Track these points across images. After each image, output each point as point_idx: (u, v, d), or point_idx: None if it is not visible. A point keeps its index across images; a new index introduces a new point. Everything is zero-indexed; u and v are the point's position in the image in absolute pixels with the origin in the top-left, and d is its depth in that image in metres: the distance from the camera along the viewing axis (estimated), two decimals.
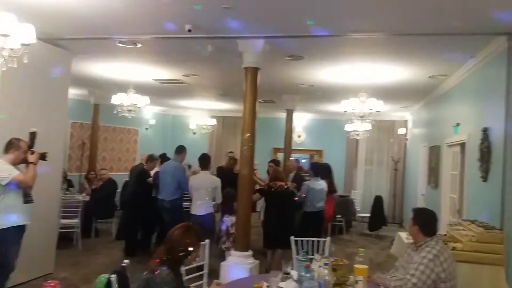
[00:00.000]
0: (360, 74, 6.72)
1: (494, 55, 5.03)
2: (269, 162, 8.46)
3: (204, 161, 6.51)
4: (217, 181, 6.30)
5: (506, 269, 4.19)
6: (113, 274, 2.78)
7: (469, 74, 6.04)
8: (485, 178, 5.10)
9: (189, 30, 4.48)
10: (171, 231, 2.73)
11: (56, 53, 5.74)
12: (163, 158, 7.87)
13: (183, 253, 2.64)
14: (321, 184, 6.95)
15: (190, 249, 2.65)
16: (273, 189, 6.12)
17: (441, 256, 3.14)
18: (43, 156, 4.37)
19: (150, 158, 7.40)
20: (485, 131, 5.10)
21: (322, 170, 7.40)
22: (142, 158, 9.05)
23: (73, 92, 9.96)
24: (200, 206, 6.12)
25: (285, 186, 6.25)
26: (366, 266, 2.98)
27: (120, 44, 5.63)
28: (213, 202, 6.38)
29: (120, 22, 4.74)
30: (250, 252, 5.44)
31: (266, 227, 6.38)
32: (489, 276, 4.17)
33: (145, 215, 6.94)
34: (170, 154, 7.89)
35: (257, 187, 7.17)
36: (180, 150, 6.86)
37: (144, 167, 7.37)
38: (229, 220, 6.17)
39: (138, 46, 5.66)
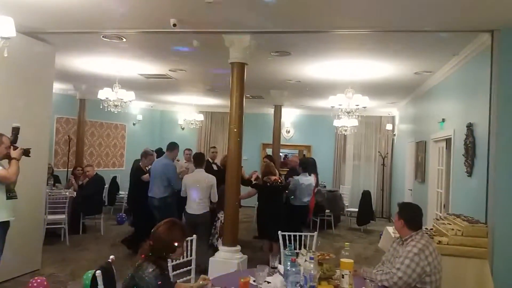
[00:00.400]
0: (347, 70, 6.74)
1: (477, 52, 5.09)
2: (264, 158, 8.61)
3: (199, 159, 6.40)
4: (213, 180, 6.12)
5: (491, 262, 4.26)
6: (98, 270, 2.75)
7: (454, 70, 6.10)
8: (470, 173, 5.17)
9: (174, 25, 4.43)
10: (156, 227, 2.72)
11: (40, 47, 5.65)
12: (159, 153, 7.79)
13: (168, 249, 2.64)
14: (309, 179, 7.08)
15: (175, 244, 2.65)
16: (268, 184, 6.26)
17: (426, 250, 3.18)
18: (26, 152, 4.31)
19: (145, 154, 7.20)
20: (469, 126, 5.17)
21: (311, 166, 7.54)
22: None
23: (58, 87, 9.86)
24: (197, 205, 5.98)
25: (279, 181, 6.38)
26: (351, 260, 3.00)
27: (104, 39, 5.56)
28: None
29: (104, 16, 4.67)
30: (238, 247, 5.44)
31: (261, 219, 6.46)
32: (474, 269, 4.23)
33: (142, 213, 6.76)
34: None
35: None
36: (172, 147, 6.72)
37: (139, 164, 7.18)
38: (223, 217, 6.00)
39: (123, 40, 5.59)
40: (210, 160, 7.88)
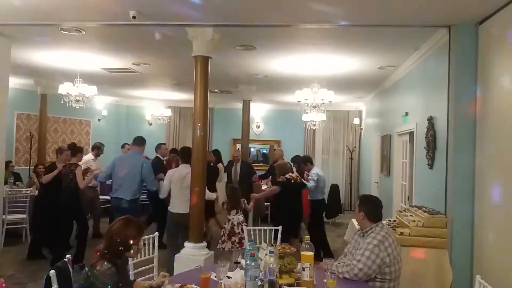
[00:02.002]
0: (313, 65, 6.76)
1: (436, 47, 5.21)
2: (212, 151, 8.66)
3: (186, 154, 5.73)
4: None
5: (450, 252, 4.38)
6: (52, 270, 2.67)
7: (415, 65, 6.23)
8: (431, 165, 5.30)
9: (134, 17, 4.31)
10: (111, 225, 2.67)
11: None
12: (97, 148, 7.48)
13: (123, 247, 2.59)
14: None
15: (130, 242, 2.59)
16: (292, 181, 6.21)
17: (385, 241, 3.23)
18: None
19: (60, 150, 6.53)
20: (430, 120, 5.29)
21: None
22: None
23: (18, 82, 9.52)
24: (185, 203, 5.45)
25: (298, 179, 6.39)
26: (312, 253, 3.01)
27: (63, 32, 5.37)
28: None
29: (61, 7, 4.48)
30: (204, 243, 5.38)
31: (284, 218, 6.06)
32: (434, 259, 4.34)
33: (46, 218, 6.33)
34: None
35: None
36: (141, 141, 6.16)
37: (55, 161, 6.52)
38: (235, 218, 5.82)
39: (82, 33, 5.41)
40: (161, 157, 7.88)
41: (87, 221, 6.60)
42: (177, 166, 6.23)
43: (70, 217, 6.23)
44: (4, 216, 6.60)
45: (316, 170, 7.21)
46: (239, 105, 10.23)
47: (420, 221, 4.47)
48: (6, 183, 7.34)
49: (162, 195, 5.81)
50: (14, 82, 9.27)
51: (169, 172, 5.87)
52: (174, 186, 5.62)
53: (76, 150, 6.56)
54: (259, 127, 13.19)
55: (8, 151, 9.58)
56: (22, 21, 5.02)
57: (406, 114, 6.60)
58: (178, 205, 5.58)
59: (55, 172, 6.26)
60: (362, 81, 8.24)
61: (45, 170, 6.47)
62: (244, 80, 8.61)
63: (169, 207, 5.69)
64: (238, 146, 11.58)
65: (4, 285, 4.68)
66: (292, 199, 6.24)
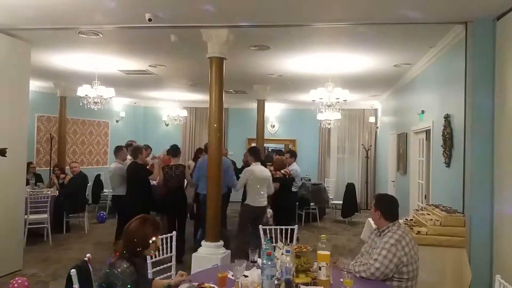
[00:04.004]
0: (327, 63, 6.75)
1: (453, 44, 5.15)
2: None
3: (256, 153, 6.37)
4: (269, 173, 6.31)
5: (468, 251, 4.33)
6: (73, 268, 2.72)
7: (431, 62, 6.17)
8: (448, 163, 5.24)
9: (149, 20, 4.38)
10: (128, 224, 2.69)
11: (13, 44, 5.54)
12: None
13: (142, 245, 2.61)
14: None
15: (149, 240, 2.62)
16: (287, 176, 6.61)
17: (402, 240, 3.20)
18: (1, 152, 4.25)
19: (140, 149, 6.63)
20: (447, 118, 5.23)
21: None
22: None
23: (38, 85, 9.73)
24: (260, 198, 6.09)
25: (289, 174, 6.78)
26: (328, 252, 3.00)
27: (81, 35, 5.48)
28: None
29: (78, 11, 4.58)
30: (221, 242, 5.44)
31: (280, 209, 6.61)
32: (452, 258, 4.29)
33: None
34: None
35: None
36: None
37: (136, 161, 6.54)
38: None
39: (99, 36, 5.51)
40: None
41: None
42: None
43: (182, 214, 6.66)
44: (26, 216, 6.74)
45: (296, 166, 7.86)
46: (254, 105, 10.28)
47: (438, 220, 4.43)
48: (27, 183, 7.51)
49: (236, 189, 6.58)
50: (34, 85, 9.48)
51: (247, 169, 6.30)
52: (252, 182, 6.05)
53: (177, 152, 6.84)
54: (274, 126, 13.21)
55: (29, 153, 9.82)
56: (41, 26, 5.15)
57: (423, 112, 6.54)
58: (256, 200, 6.10)
59: (158, 172, 6.60)
60: (378, 79, 8.18)
61: (136, 168, 6.51)
62: (259, 80, 8.64)
63: (246, 201, 6.19)
64: (253, 145, 11.62)
65: (26, 283, 4.81)
66: (289, 194, 6.71)
